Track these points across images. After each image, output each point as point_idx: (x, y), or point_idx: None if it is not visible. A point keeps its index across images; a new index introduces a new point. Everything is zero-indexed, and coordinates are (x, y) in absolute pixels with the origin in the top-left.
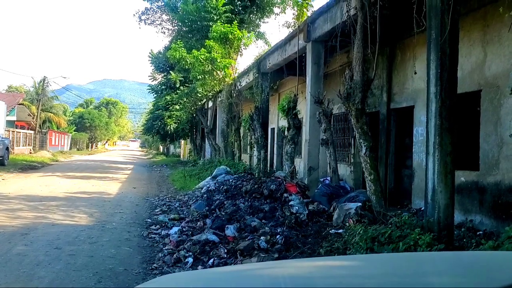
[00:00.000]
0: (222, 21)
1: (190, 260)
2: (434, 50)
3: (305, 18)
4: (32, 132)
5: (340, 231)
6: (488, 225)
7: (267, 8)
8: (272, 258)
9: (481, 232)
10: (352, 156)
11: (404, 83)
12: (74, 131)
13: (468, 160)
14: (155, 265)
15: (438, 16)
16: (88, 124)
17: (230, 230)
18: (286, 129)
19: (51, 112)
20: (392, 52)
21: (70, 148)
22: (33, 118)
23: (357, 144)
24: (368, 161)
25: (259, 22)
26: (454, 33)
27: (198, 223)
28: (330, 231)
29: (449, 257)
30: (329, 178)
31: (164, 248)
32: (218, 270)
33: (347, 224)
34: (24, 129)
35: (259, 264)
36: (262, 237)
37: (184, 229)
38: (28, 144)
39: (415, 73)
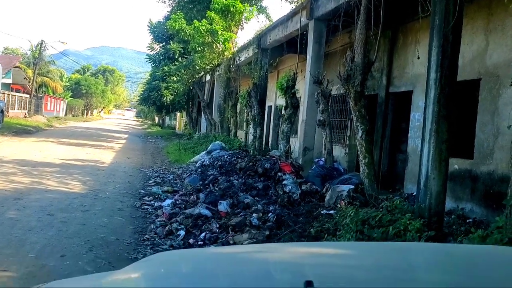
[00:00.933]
0: None
1: (182, 233)
2: (437, 36)
3: None
4: (28, 96)
5: (332, 212)
6: (478, 214)
7: None
8: (263, 235)
9: (470, 220)
10: (347, 138)
11: (405, 68)
12: (70, 97)
13: (463, 148)
14: (147, 236)
15: (443, 2)
16: (84, 91)
17: (223, 206)
18: (283, 107)
19: (48, 77)
20: (394, 35)
21: (66, 114)
22: (29, 82)
23: (353, 126)
24: (364, 144)
25: None
26: (458, 20)
27: (192, 197)
28: (322, 212)
29: (440, 249)
30: (323, 159)
31: (156, 220)
32: (209, 250)
33: (339, 205)
34: (19, 92)
35: (250, 247)
36: (254, 214)
37: (177, 202)
38: (23, 108)
39: (418, 58)
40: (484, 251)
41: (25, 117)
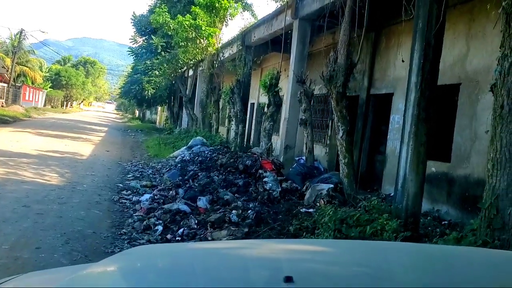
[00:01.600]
0: None
1: (160, 228)
2: (419, 40)
3: None
4: (5, 85)
5: (311, 210)
6: (453, 216)
7: None
8: (242, 232)
9: (446, 222)
10: (328, 137)
11: (386, 70)
12: (50, 88)
13: (440, 152)
14: (124, 230)
15: (426, 6)
16: (64, 82)
17: (202, 202)
18: (266, 105)
19: (27, 66)
20: (377, 38)
21: (44, 105)
22: (7, 71)
23: (334, 126)
24: (344, 144)
25: None
26: (440, 25)
27: (171, 192)
28: (301, 210)
29: (416, 249)
30: (304, 157)
31: (134, 214)
32: (187, 245)
33: (318, 204)
34: None
35: (228, 243)
36: (233, 211)
37: (155, 197)
38: (0, 97)
39: (403, 61)
40: (459, 252)
41: (2, 106)
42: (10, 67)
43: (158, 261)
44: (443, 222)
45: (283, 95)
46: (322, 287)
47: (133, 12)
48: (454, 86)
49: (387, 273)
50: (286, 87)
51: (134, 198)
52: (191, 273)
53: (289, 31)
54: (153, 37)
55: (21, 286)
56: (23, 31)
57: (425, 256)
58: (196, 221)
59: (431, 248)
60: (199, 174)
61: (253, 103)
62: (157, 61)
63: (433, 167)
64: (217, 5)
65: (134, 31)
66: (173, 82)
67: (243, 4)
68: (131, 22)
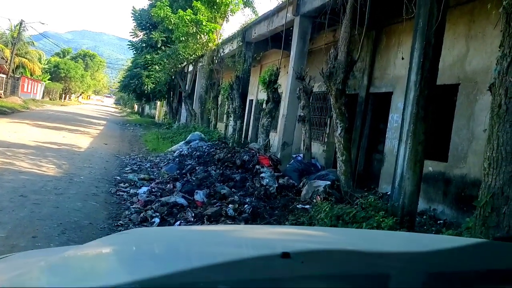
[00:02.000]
0: None
1: (157, 220)
2: (419, 38)
3: None
4: (4, 76)
5: (307, 206)
6: (449, 215)
7: None
8: None
9: (441, 221)
10: (326, 135)
11: (386, 69)
12: (48, 80)
13: (438, 151)
14: (120, 222)
15: (427, 5)
16: (63, 75)
17: (199, 195)
18: (264, 102)
19: (26, 58)
20: (378, 36)
21: (43, 97)
22: (6, 62)
23: (333, 124)
24: (342, 141)
25: None
26: (441, 24)
27: (168, 185)
28: (297, 206)
29: (409, 236)
30: (301, 155)
31: (131, 207)
32: (183, 228)
33: (315, 200)
34: None
35: (224, 226)
36: (230, 205)
37: (153, 189)
38: None
39: (402, 58)
40: (444, 239)
41: (0, 97)
42: (9, 58)
43: (153, 242)
44: (438, 221)
45: (282, 92)
46: (318, 263)
47: (133, 6)
48: (453, 86)
49: (380, 250)
50: (285, 84)
51: (132, 191)
52: (186, 253)
53: (290, 28)
54: (153, 32)
55: (14, 262)
56: (23, 22)
57: (417, 241)
58: (193, 214)
59: (422, 236)
60: (197, 168)
61: (252, 100)
62: (157, 56)
63: (430, 166)
64: (218, 0)
65: (135, 25)
66: (173, 77)
67: (244, 0)
68: (132, 16)
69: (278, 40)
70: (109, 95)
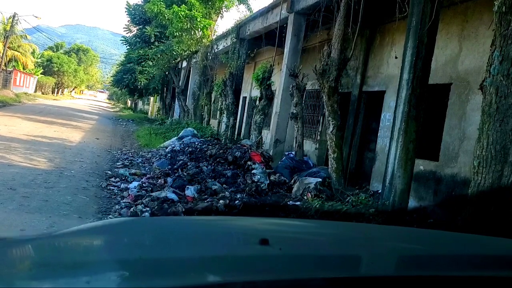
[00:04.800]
0: None
1: (147, 215)
2: (412, 37)
3: None
4: None
5: (298, 203)
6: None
7: None
8: None
9: (431, 220)
10: (319, 133)
11: (379, 68)
12: (41, 74)
13: (429, 150)
14: (110, 216)
15: (420, 4)
16: (56, 69)
17: (190, 191)
18: (258, 99)
19: (18, 51)
20: (371, 35)
21: (35, 91)
22: None
23: (325, 121)
24: (334, 139)
25: None
26: (434, 24)
27: (159, 180)
28: (288, 203)
29: (396, 229)
30: (294, 152)
31: (121, 201)
32: (171, 218)
33: (306, 197)
34: None
35: (215, 217)
36: (221, 201)
37: (144, 184)
38: None
39: (396, 57)
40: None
41: None
42: (2, 51)
43: (139, 230)
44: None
45: (275, 89)
46: (297, 250)
47: (127, 1)
48: (445, 85)
49: (366, 241)
50: (278, 81)
51: (123, 185)
52: (168, 240)
53: (284, 25)
54: (147, 27)
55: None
56: (16, 15)
57: (395, 232)
58: (184, 209)
59: (402, 228)
60: (189, 164)
61: (245, 97)
62: (151, 51)
63: (421, 165)
64: None
65: (128, 20)
66: (166, 73)
67: None
68: (125, 11)
69: (273, 37)
70: (102, 90)
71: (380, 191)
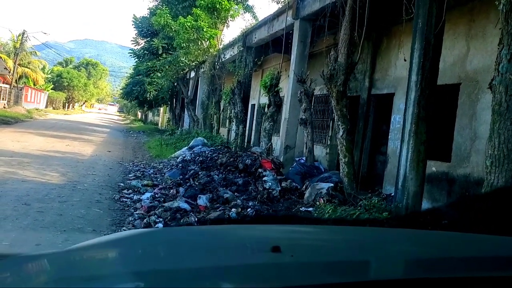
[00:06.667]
0: None
1: (160, 225)
2: (419, 39)
3: None
4: (8, 86)
5: (310, 209)
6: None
7: None
8: None
9: (445, 222)
10: (329, 138)
11: (387, 70)
12: (51, 89)
13: (441, 151)
14: (124, 228)
15: (426, 5)
16: (66, 84)
17: (202, 200)
18: (266, 106)
19: (29, 68)
20: (378, 38)
21: (46, 107)
22: (9, 72)
23: (335, 126)
24: (344, 143)
25: None
26: (440, 24)
27: (171, 190)
28: (301, 209)
29: (411, 233)
30: (304, 158)
31: (135, 213)
32: (184, 228)
33: (318, 203)
34: None
35: (227, 226)
36: (233, 209)
37: (156, 195)
38: (3, 99)
39: (405, 60)
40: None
41: (4, 107)
42: (12, 68)
43: (153, 242)
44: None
45: (284, 96)
46: (308, 257)
47: (134, 14)
48: (454, 85)
49: (376, 246)
50: (286, 87)
51: (135, 197)
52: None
53: (290, 32)
54: (154, 40)
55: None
56: (25, 33)
57: (418, 237)
58: (196, 219)
59: (414, 232)
60: (200, 173)
61: (254, 104)
62: (159, 62)
63: (433, 166)
64: (218, 6)
65: (136, 33)
66: (175, 83)
67: (244, 5)
68: (133, 24)
69: (279, 44)
70: (113, 103)
71: (393, 194)
